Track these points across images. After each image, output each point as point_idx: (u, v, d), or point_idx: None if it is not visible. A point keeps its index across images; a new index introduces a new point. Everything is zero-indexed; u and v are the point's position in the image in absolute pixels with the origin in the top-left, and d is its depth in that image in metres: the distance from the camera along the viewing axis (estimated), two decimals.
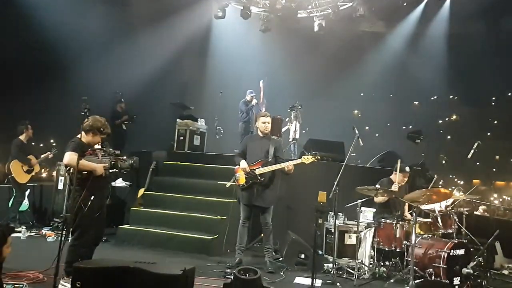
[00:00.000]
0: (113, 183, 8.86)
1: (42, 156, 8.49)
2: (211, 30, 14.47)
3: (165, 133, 10.81)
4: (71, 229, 4.74)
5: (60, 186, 8.45)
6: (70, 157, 4.61)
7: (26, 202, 8.18)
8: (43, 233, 7.56)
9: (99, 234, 5.06)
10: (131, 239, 7.21)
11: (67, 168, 4.81)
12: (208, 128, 10.63)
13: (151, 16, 12.93)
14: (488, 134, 18.33)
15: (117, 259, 4.71)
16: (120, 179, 9.08)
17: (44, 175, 9.86)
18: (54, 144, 9.37)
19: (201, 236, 6.95)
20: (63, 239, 4.32)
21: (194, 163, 8.83)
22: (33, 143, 8.83)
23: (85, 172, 4.65)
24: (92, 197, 4.69)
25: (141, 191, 8.25)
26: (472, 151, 6.58)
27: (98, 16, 11.42)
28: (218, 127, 11.00)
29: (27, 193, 8.24)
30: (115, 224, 7.80)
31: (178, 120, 10.09)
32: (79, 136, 4.90)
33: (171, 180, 8.42)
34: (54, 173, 8.89)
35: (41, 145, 9.98)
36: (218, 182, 7.60)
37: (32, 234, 7.57)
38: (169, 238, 7.04)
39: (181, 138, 9.89)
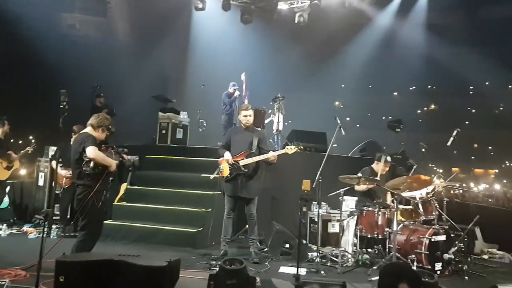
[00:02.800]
0: None
1: (22, 151, 8.32)
2: (192, 22, 14.36)
3: (147, 127, 10.72)
4: (80, 224, 4.87)
5: (41, 183, 8.32)
6: (95, 151, 4.71)
7: (6, 199, 8.03)
8: (24, 230, 7.44)
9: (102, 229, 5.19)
10: (115, 234, 7.12)
11: (85, 162, 4.76)
12: (190, 121, 10.56)
13: (130, 9, 12.76)
14: (466, 123, 18.78)
15: (101, 253, 4.67)
16: None
17: (23, 171, 9.68)
18: (33, 140, 9.20)
19: (186, 229, 6.92)
20: (44, 235, 4.29)
21: (177, 156, 8.77)
22: (11, 140, 8.66)
23: (100, 168, 4.75)
24: (104, 192, 4.85)
25: (123, 186, 8.16)
26: (451, 138, 6.71)
27: (76, 8, 11.22)
28: (201, 120, 10.94)
29: (7, 189, 8.09)
30: None
31: (160, 113, 10.00)
32: (87, 130, 4.95)
33: (154, 174, 8.35)
34: (35, 170, 8.73)
35: (20, 142, 9.80)
36: (202, 174, 7.57)
37: (13, 231, 7.45)
38: (153, 233, 6.99)
39: (164, 131, 9.82)
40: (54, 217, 7.65)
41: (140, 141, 9.87)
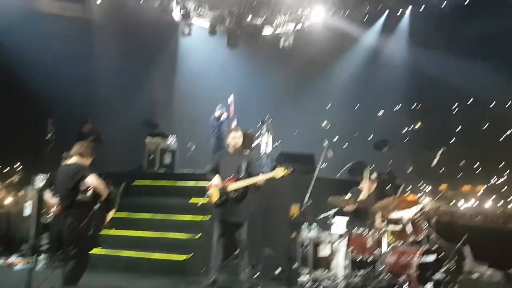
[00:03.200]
0: None
1: (7, 180, 8.21)
2: (179, 47, 14.50)
3: (135, 152, 10.68)
4: (73, 252, 4.94)
5: (28, 212, 8.17)
6: (98, 179, 4.93)
7: None
8: (11, 261, 7.27)
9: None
10: (103, 264, 7.00)
11: (85, 189, 4.89)
12: (179, 145, 10.55)
13: (117, 36, 12.87)
14: (453, 139, 19.01)
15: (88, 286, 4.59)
16: None
17: (9, 200, 9.52)
18: (19, 169, 9.10)
19: (175, 257, 6.84)
20: (32, 266, 4.24)
21: (165, 181, 8.73)
22: None
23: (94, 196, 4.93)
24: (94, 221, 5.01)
25: (110, 213, 8.04)
26: (437, 157, 6.80)
27: (63, 38, 11.28)
28: (189, 144, 10.96)
29: None
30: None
31: (147, 138, 9.99)
32: (76, 161, 5.12)
33: (142, 200, 8.29)
34: (22, 199, 8.59)
35: (5, 170, 9.67)
36: (191, 200, 7.53)
37: None
38: (141, 261, 6.90)
39: (151, 156, 9.79)
40: (42, 247, 7.52)
41: (128, 166, 9.81)
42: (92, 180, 4.91)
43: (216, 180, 6.11)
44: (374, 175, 6.84)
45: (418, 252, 5.72)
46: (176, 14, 12.11)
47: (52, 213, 7.34)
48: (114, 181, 7.94)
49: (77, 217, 4.87)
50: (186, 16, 11.75)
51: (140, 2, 12.60)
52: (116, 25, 13.03)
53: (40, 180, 8.14)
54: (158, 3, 11.63)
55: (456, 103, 20.75)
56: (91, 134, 10.36)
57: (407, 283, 5.58)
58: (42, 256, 7.27)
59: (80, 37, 11.91)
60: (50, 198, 7.31)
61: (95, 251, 7.30)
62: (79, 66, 11.53)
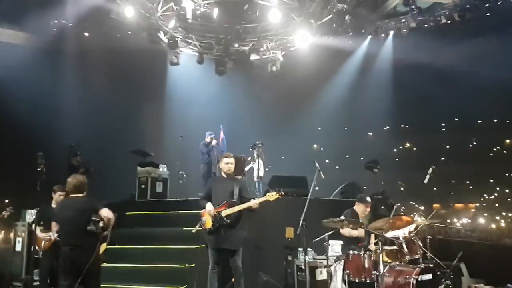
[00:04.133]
0: None
1: None
2: (167, 76, 14.62)
3: (126, 182, 10.59)
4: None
5: (18, 248, 8.00)
6: (110, 212, 4.99)
7: None
8: None
9: None
10: None
11: (93, 222, 4.94)
12: (170, 174, 10.50)
13: (106, 67, 12.96)
14: (442, 159, 19.25)
15: None
16: None
17: None
18: (9, 205, 8.93)
19: None
20: None
21: (157, 211, 8.65)
22: None
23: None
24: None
25: (103, 246, 7.91)
26: (428, 176, 6.84)
27: (51, 70, 11.33)
28: (180, 172, 10.91)
29: None
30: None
31: (138, 168, 9.93)
32: (83, 194, 5.21)
33: (134, 231, 8.18)
34: (12, 235, 8.42)
35: None
36: (184, 228, 7.44)
37: None
38: None
39: (143, 186, 9.71)
40: (34, 283, 7.34)
41: (119, 197, 9.71)
42: (107, 213, 5.00)
43: (209, 206, 6.06)
44: (368, 199, 6.84)
45: (415, 271, 5.68)
46: (164, 44, 12.23)
47: (43, 248, 7.22)
48: None
49: (87, 250, 4.92)
50: (173, 45, 11.87)
51: (128, 33, 12.74)
52: (104, 56, 13.15)
53: (30, 215, 8.02)
54: (146, 34, 11.76)
55: (443, 123, 21.16)
56: (81, 166, 10.31)
57: None
58: None
59: (69, 69, 11.97)
60: (40, 233, 7.19)
61: None
62: (67, 98, 11.55)
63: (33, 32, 11.60)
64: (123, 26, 12.08)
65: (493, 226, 14.92)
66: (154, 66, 13.93)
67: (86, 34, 13.45)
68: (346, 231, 6.52)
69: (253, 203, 5.96)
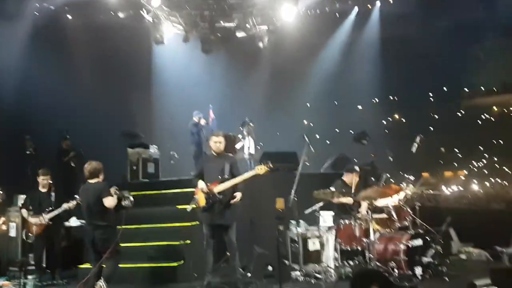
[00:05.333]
0: (67, 223, 8.56)
1: None
2: (153, 57, 14.47)
3: (117, 164, 10.58)
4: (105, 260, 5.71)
5: (13, 233, 8.03)
6: (113, 203, 5.83)
7: None
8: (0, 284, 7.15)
9: None
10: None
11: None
12: (161, 154, 10.51)
13: (91, 50, 12.81)
14: (431, 128, 19.39)
15: None
16: (74, 218, 8.76)
17: None
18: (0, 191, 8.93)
19: (166, 265, 6.82)
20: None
21: (150, 191, 8.69)
22: None
23: None
24: None
25: None
26: (415, 144, 6.94)
27: (35, 54, 11.16)
28: (172, 152, 10.93)
29: None
30: (74, 265, 7.51)
31: (128, 149, 9.92)
32: (98, 179, 5.93)
33: (129, 212, 8.19)
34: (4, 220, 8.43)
35: None
36: (178, 207, 7.52)
37: None
38: (133, 272, 6.84)
39: (134, 167, 9.73)
40: (29, 267, 7.41)
41: (111, 179, 9.63)
42: (108, 203, 5.76)
43: (202, 184, 6.13)
44: (357, 168, 6.96)
45: (405, 237, 5.84)
46: (148, 23, 12.08)
47: (35, 232, 7.26)
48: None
49: (107, 228, 5.81)
50: (157, 24, 11.73)
51: (112, 13, 12.55)
52: (89, 39, 12.97)
53: (22, 200, 8.04)
54: (130, 13, 11.58)
55: (430, 93, 21.26)
56: (71, 150, 10.29)
57: (397, 269, 5.68)
58: (30, 276, 7.17)
59: (54, 53, 11.80)
60: (30, 218, 7.23)
61: (84, 266, 7.26)
62: (54, 82, 11.43)
63: (16, 16, 11.38)
64: (107, 7, 11.88)
65: (482, 192, 15.18)
66: (139, 47, 13.76)
67: (69, 17, 13.22)
68: (347, 201, 6.66)
69: (244, 177, 6.05)
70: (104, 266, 5.79)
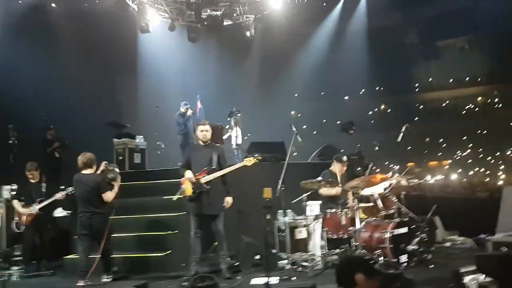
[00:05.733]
0: (52, 214, 8.47)
1: None
2: (139, 46, 14.29)
3: (103, 154, 10.47)
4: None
5: None
6: (111, 198, 6.30)
7: None
8: None
9: None
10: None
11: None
12: (148, 144, 10.42)
13: (75, 38, 12.61)
14: (416, 118, 19.64)
15: None
16: (60, 209, 8.67)
17: None
18: None
19: (153, 254, 6.80)
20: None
21: (137, 181, 8.62)
22: None
23: None
24: None
25: None
26: (401, 134, 7.00)
27: (19, 43, 10.95)
28: (158, 142, 10.85)
29: None
30: (60, 255, 7.46)
31: (114, 139, 9.82)
32: (92, 170, 6.23)
33: (115, 203, 8.13)
34: None
35: None
36: (165, 197, 7.48)
37: None
38: (120, 262, 6.81)
39: (121, 157, 9.64)
40: (15, 258, 7.34)
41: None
42: (107, 197, 6.17)
43: (189, 174, 6.11)
44: (345, 158, 6.99)
45: (390, 225, 5.90)
46: (134, 11, 11.90)
47: (25, 223, 7.18)
48: None
49: (101, 215, 6.16)
50: (143, 12, 11.56)
51: (96, 1, 12.34)
52: (73, 27, 12.76)
53: (7, 191, 7.92)
54: (114, 1, 11.39)
55: (416, 84, 21.48)
56: (55, 140, 10.15)
57: (383, 256, 5.75)
58: (15, 267, 7.10)
59: (38, 41, 11.58)
60: (21, 208, 7.16)
61: (70, 257, 7.22)
62: (37, 71, 11.23)
63: None
64: None
65: (466, 181, 15.46)
66: (125, 35, 13.58)
67: (53, 5, 12.97)
68: (324, 190, 6.69)
69: (232, 168, 6.07)
70: (102, 258, 6.15)
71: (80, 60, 12.59)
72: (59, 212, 8.81)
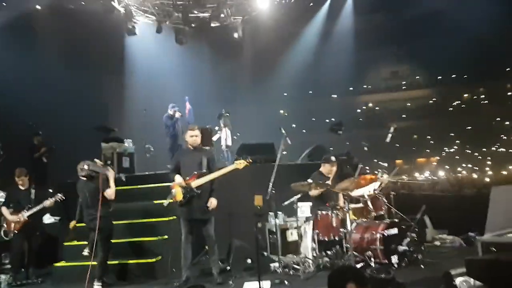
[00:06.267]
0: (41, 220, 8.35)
1: None
2: (126, 48, 14.16)
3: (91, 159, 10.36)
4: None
5: None
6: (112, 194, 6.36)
7: None
8: None
9: None
10: (69, 276, 6.80)
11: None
12: (136, 148, 10.32)
13: (61, 41, 12.45)
14: (404, 116, 19.82)
15: None
16: (47, 215, 8.56)
17: None
18: None
19: (144, 261, 6.74)
20: None
21: (126, 186, 8.53)
22: None
23: None
24: None
25: (72, 224, 7.82)
26: (389, 135, 7.03)
27: (2, 46, 10.76)
28: (147, 145, 10.75)
29: None
30: (49, 263, 7.36)
31: (102, 144, 9.71)
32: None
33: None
34: None
35: None
36: (155, 202, 7.42)
37: None
38: (110, 269, 6.74)
39: (109, 162, 9.51)
40: (3, 266, 7.23)
41: None
42: (108, 194, 6.26)
43: (179, 178, 6.06)
44: (333, 158, 7.00)
45: (381, 227, 5.93)
46: (120, 13, 11.77)
47: (14, 230, 7.07)
48: (72, 190, 7.76)
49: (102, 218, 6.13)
50: (129, 14, 11.44)
51: (82, 3, 12.18)
52: (59, 30, 12.59)
53: None
54: (100, 3, 11.26)
55: (403, 82, 21.68)
56: (42, 146, 10.01)
57: (374, 257, 5.77)
58: (3, 276, 7.00)
59: (23, 44, 11.41)
60: (9, 216, 7.05)
61: (59, 264, 7.12)
62: (22, 75, 11.07)
63: None
64: None
65: (454, 178, 15.63)
66: (112, 38, 13.44)
67: (38, 7, 12.77)
68: (315, 192, 6.69)
69: (222, 172, 6.02)
70: (96, 264, 6.17)
71: (66, 63, 12.43)
72: (48, 219, 8.70)
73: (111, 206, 6.39)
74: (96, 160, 6.61)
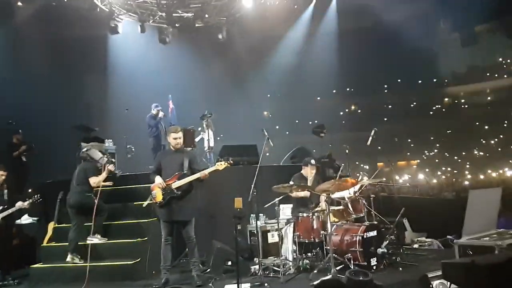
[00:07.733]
0: (18, 221, 8.20)
1: None
2: (109, 46, 13.99)
3: (70, 159, 10.20)
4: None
5: None
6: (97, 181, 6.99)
7: None
8: None
9: None
10: (47, 278, 6.68)
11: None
12: (117, 148, 10.19)
13: (42, 39, 12.24)
14: (385, 119, 20.04)
15: None
16: (25, 216, 8.40)
17: None
18: None
19: (122, 263, 6.65)
20: None
21: (106, 186, 8.40)
22: None
23: None
24: None
25: (51, 225, 7.69)
26: (370, 138, 7.11)
27: None
28: (128, 146, 10.62)
29: None
30: (26, 264, 7.22)
31: (82, 143, 9.56)
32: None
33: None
34: None
35: None
36: (135, 203, 7.35)
37: None
38: (88, 271, 6.63)
39: (109, 156, 9.37)
40: None
41: (65, 174, 9.35)
42: (92, 181, 6.90)
43: (158, 179, 6.01)
44: (313, 161, 7.04)
45: (361, 229, 5.98)
46: (103, 12, 11.63)
47: None
48: (51, 190, 7.62)
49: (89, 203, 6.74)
50: (112, 13, 11.32)
51: (65, 1, 11.99)
52: (41, 27, 12.38)
53: None
54: (83, 1, 11.12)
55: (385, 85, 21.96)
56: (21, 144, 9.82)
57: (353, 260, 5.82)
58: None
59: (3, 41, 11.19)
60: None
61: (37, 266, 7.00)
62: (2, 72, 10.85)
63: None
64: None
65: (434, 181, 15.87)
66: (94, 36, 13.28)
67: (20, 3, 12.53)
68: (297, 194, 6.72)
69: (203, 173, 5.98)
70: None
71: (47, 60, 12.24)
72: (25, 219, 8.54)
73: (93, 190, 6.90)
74: (101, 150, 7.31)
